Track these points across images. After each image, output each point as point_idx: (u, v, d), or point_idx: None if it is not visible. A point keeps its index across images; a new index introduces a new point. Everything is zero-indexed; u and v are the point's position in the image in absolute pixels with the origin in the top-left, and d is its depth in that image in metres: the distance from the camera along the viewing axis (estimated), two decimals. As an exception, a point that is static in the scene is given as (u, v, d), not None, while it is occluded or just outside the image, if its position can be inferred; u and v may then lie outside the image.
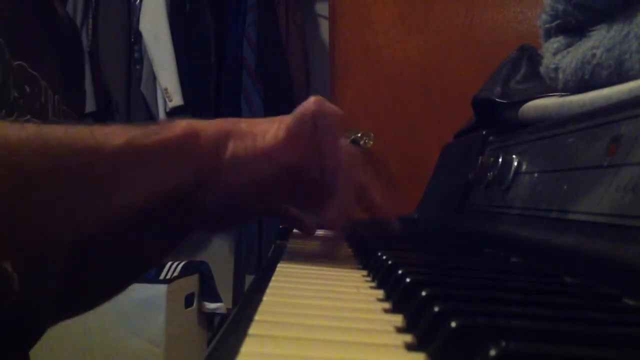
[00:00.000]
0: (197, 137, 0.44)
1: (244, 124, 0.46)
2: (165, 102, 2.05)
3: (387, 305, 0.33)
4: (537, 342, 0.22)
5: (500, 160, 0.61)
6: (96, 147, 0.39)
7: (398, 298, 0.32)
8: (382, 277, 0.39)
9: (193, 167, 0.44)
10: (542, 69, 0.65)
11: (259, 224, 2.14)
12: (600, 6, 0.57)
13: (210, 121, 0.46)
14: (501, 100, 0.74)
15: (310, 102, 0.47)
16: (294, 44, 2.20)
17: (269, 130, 0.46)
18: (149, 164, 0.42)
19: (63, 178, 0.38)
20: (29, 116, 0.54)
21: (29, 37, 0.57)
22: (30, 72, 0.54)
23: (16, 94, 0.51)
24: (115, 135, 0.40)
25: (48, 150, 0.38)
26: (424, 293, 0.28)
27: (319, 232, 0.62)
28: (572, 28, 0.61)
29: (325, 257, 0.50)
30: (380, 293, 0.36)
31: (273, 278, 0.40)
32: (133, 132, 0.41)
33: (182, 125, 0.43)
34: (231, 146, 0.45)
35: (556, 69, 0.62)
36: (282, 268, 0.45)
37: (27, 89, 0.53)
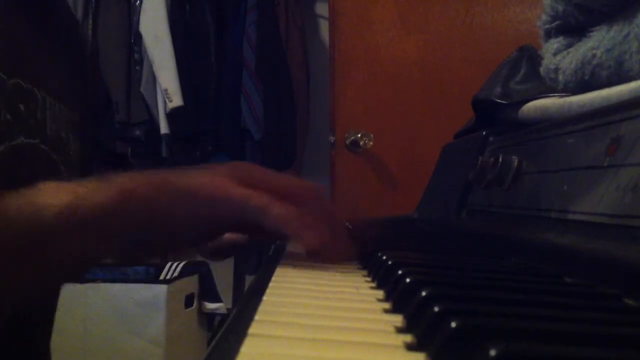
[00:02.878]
0: (131, 197, 0.45)
1: (178, 177, 0.48)
2: (165, 102, 2.05)
3: (387, 305, 0.33)
4: (537, 342, 0.22)
5: (500, 160, 0.61)
6: (33, 220, 0.42)
7: (398, 298, 0.32)
8: (382, 278, 0.39)
9: (128, 225, 0.46)
10: (542, 70, 0.65)
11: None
12: (600, 6, 0.57)
13: (146, 176, 0.47)
14: (501, 101, 0.74)
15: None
16: (294, 44, 2.20)
17: (204, 181, 0.47)
18: (85, 231, 0.44)
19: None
20: (22, 138, 0.54)
21: (24, 45, 0.57)
22: (26, 88, 0.55)
23: (8, 116, 0.52)
24: (55, 199, 0.43)
25: None
26: (424, 293, 0.28)
27: None
28: (572, 28, 0.61)
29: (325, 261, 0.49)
30: (380, 293, 0.36)
31: (273, 278, 0.40)
32: (73, 196, 0.43)
33: (118, 184, 0.45)
34: (164, 200, 0.46)
35: (556, 70, 0.62)
36: (282, 268, 0.45)
37: (22, 108, 0.54)
